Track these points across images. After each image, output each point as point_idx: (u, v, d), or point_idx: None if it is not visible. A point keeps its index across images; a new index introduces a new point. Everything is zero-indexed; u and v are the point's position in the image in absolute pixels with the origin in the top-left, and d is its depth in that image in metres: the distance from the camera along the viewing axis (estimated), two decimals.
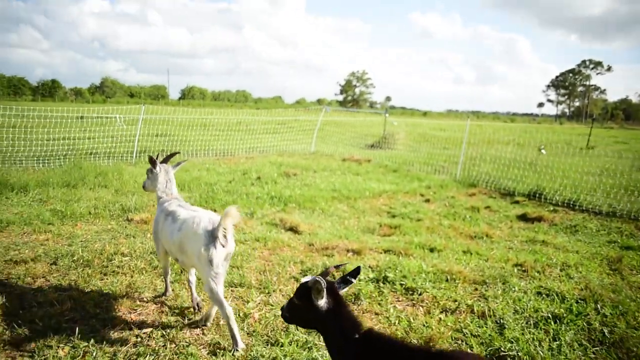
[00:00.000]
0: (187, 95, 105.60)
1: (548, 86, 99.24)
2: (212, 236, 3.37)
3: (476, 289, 4.72)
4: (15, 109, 11.70)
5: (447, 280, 4.85)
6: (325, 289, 2.16)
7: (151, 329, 3.57)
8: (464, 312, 4.19)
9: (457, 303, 4.32)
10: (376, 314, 4.11)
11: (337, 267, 2.46)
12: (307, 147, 16.32)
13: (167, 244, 3.80)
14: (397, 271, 4.93)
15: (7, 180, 8.06)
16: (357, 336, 2.16)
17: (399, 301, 4.41)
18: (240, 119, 20.73)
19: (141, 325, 3.63)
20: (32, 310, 3.73)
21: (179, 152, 4.78)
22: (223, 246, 3.39)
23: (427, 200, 9.37)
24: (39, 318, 3.58)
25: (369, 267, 5.08)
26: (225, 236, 3.38)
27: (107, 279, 4.50)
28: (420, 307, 4.26)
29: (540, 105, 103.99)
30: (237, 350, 3.33)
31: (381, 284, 4.68)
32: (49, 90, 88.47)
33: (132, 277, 4.59)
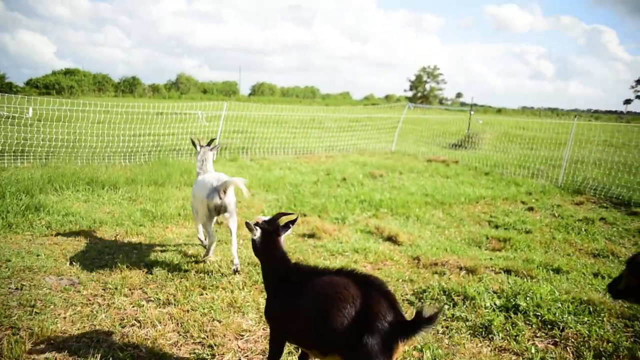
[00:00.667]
0: (257, 91, 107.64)
1: (638, 81, 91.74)
2: (214, 190, 4.73)
3: (627, 325, 3.93)
4: (100, 104, 11.91)
5: (589, 313, 4.10)
6: (256, 229, 2.85)
7: None
8: (624, 358, 3.44)
9: (612, 345, 3.58)
10: (515, 353, 3.46)
11: (283, 214, 2.98)
12: (387, 145, 15.67)
13: (197, 204, 5.02)
14: (527, 298, 4.23)
15: (97, 177, 8.07)
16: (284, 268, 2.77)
17: (538, 337, 3.73)
18: (313, 116, 20.39)
19: (251, 355, 3.20)
20: (133, 329, 3.41)
21: (215, 139, 6.16)
22: (220, 198, 4.74)
23: (531, 209, 8.47)
24: (140, 340, 3.24)
25: (494, 292, 4.41)
26: (224, 191, 4.74)
27: (206, 294, 4.14)
28: (567, 348, 3.56)
29: (627, 102, 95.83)
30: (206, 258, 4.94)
31: (512, 314, 4.01)
32: (129, 86, 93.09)
33: (232, 292, 4.20)
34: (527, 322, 3.92)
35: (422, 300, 4.25)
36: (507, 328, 3.79)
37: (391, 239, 6.22)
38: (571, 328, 3.79)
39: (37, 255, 4.76)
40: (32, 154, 10.39)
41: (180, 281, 4.35)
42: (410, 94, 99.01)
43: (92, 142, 11.35)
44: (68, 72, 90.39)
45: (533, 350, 3.49)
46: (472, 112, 17.44)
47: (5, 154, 10.08)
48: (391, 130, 16.62)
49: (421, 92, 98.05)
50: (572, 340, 3.66)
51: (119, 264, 4.65)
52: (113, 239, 5.55)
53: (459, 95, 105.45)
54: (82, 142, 11.15)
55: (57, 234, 5.60)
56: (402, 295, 4.36)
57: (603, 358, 3.44)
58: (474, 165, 12.53)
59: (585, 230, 7.23)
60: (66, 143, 10.80)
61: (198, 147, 5.52)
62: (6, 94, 10.02)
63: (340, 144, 15.07)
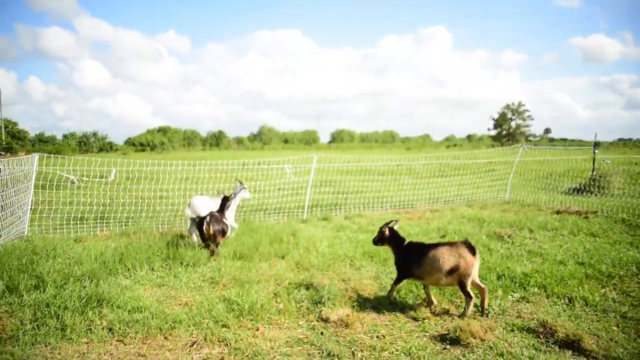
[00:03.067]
0: (337, 138, 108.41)
1: None
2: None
3: None
4: (187, 162, 11.05)
5: None
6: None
7: None
8: None
9: None
10: None
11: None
12: (497, 194, 13.54)
13: None
14: None
15: (176, 252, 6.87)
16: None
17: None
18: (408, 165, 18.65)
19: None
20: None
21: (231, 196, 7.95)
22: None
23: None
24: None
25: None
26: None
27: None
28: None
29: None
30: None
31: None
32: (215, 140, 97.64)
33: None
34: None
35: None
36: None
37: (570, 344, 4.28)
38: None
39: None
40: (111, 220, 9.59)
41: None
42: (494, 132, 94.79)
43: (174, 202, 10.43)
44: (161, 130, 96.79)
45: None
46: (596, 151, 14.90)
47: (85, 223, 9.34)
48: (494, 175, 14.40)
49: (506, 130, 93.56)
50: None
51: None
52: (187, 351, 4.12)
53: (547, 130, 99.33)
54: (165, 204, 10.26)
55: (118, 342, 4.28)
56: None
57: None
58: (619, 217, 10.13)
59: None
60: (146, 207, 9.93)
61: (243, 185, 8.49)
62: (86, 157, 9.37)
63: (442, 194, 13.19)
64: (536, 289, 5.82)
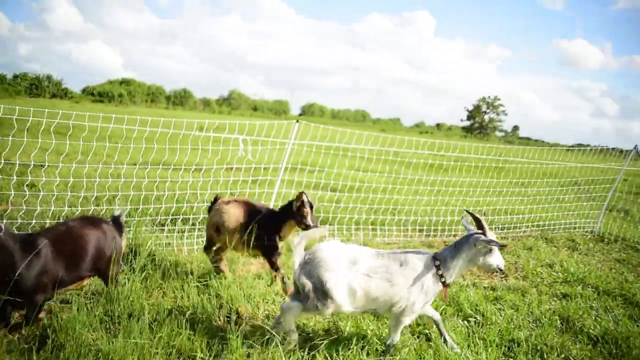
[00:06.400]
0: (307, 111, 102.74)
1: None
2: None
3: None
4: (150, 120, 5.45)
5: None
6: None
7: None
8: None
9: None
10: None
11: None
12: (581, 222, 8.40)
13: None
14: None
15: None
16: None
17: None
18: (406, 150, 13.25)
19: None
20: None
21: None
22: None
23: None
24: None
25: None
26: None
27: None
28: None
29: None
30: None
31: None
32: (180, 99, 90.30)
33: None
34: None
35: None
36: None
37: None
38: None
39: None
40: None
41: None
42: (467, 123, 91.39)
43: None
44: (123, 82, 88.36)
45: None
46: None
47: None
48: (553, 187, 9.15)
49: (479, 123, 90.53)
50: None
51: None
52: None
53: (516, 128, 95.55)
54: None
55: None
56: None
57: None
58: None
59: None
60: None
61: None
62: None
63: (494, 205, 8.07)
64: None
